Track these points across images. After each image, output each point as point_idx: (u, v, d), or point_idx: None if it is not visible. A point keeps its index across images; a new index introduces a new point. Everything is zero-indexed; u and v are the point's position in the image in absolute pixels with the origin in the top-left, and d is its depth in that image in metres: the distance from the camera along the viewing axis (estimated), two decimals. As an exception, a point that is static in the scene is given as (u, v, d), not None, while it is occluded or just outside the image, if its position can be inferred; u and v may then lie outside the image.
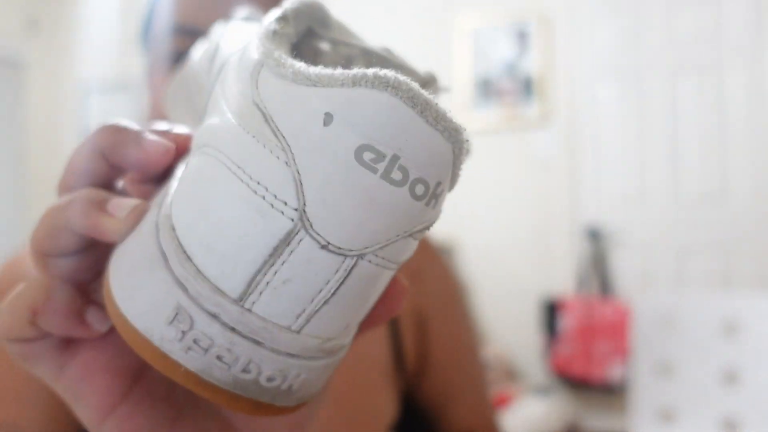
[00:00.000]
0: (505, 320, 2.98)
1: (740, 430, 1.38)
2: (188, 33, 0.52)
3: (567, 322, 2.74)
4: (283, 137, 0.18)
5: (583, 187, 2.89)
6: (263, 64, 0.19)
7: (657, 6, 2.79)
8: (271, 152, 0.18)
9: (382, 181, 0.17)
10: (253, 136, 0.19)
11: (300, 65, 0.19)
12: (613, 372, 2.66)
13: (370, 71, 0.17)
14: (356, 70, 0.18)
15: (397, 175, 0.17)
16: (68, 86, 3.65)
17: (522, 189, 2.97)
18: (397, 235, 0.19)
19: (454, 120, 0.18)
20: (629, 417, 1.46)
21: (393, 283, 0.22)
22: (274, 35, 0.20)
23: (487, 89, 2.99)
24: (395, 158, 0.17)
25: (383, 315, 0.22)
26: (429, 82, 0.24)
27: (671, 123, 2.78)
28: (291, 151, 0.18)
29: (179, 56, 0.52)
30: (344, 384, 0.51)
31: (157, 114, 0.56)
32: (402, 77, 0.17)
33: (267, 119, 0.18)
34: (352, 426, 0.50)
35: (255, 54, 0.20)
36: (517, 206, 2.97)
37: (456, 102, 3.05)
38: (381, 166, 0.17)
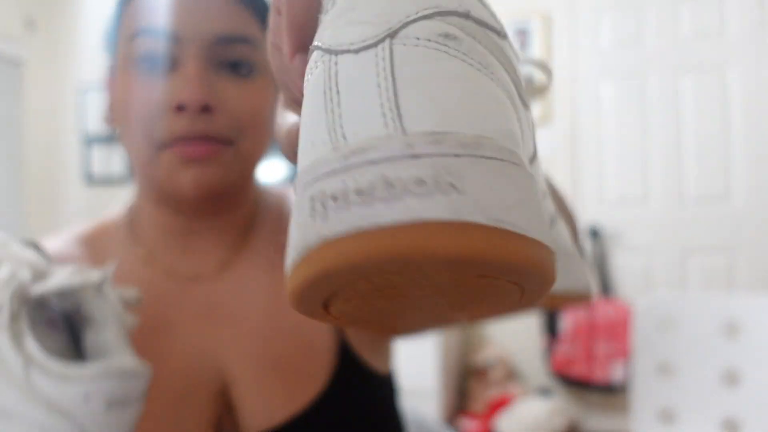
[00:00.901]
0: (506, 321, 2.97)
1: (741, 431, 1.38)
2: (155, 36, 0.52)
3: (568, 322, 2.73)
4: (66, 412, 0.31)
5: (583, 186, 2.88)
6: (31, 365, 0.32)
7: (659, 4, 2.78)
8: (64, 417, 0.31)
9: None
10: (46, 409, 0.31)
11: (62, 368, 0.32)
12: (614, 373, 2.66)
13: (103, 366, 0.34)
14: (96, 367, 0.33)
15: None
16: (66, 85, 3.65)
17: (523, 189, 2.96)
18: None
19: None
20: (630, 418, 1.45)
21: None
22: (21, 337, 0.33)
23: (487, 89, 2.99)
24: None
25: None
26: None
27: (673, 122, 2.77)
28: (75, 418, 0.32)
29: (146, 59, 0.53)
30: (283, 347, 0.55)
31: (115, 114, 0.57)
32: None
33: (50, 406, 0.31)
34: (292, 390, 0.54)
35: (21, 360, 0.32)
36: (517, 206, 2.96)
37: (456, 101, 3.04)
38: None
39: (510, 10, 2.97)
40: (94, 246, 0.59)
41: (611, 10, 2.84)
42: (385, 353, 0.63)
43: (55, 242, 0.59)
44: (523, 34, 2.94)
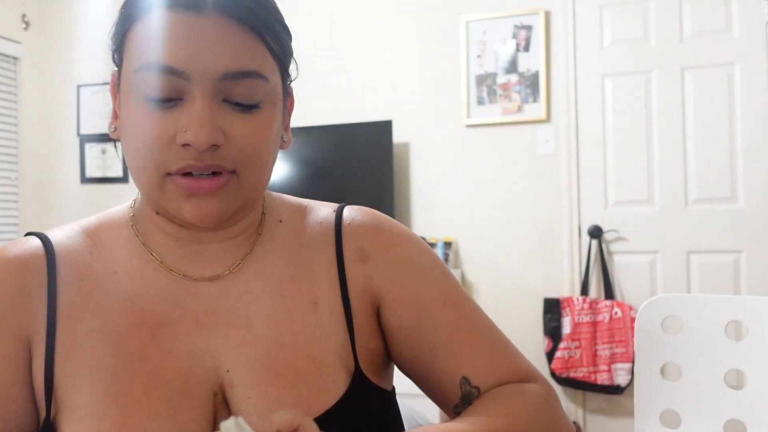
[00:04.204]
0: (508, 322, 2.95)
1: (746, 435, 1.36)
2: (163, 72, 0.53)
3: (570, 323, 2.71)
4: None
5: (586, 186, 2.86)
6: None
7: (665, 0, 2.76)
8: None
9: None
10: None
11: None
12: (617, 375, 2.64)
13: None
14: None
15: None
16: (62, 83, 3.64)
17: (524, 188, 2.94)
18: None
19: None
20: (633, 420, 1.44)
21: None
22: None
23: (489, 85, 2.97)
24: None
25: None
26: None
27: (678, 121, 2.75)
28: None
29: (153, 94, 0.53)
30: (296, 361, 0.57)
31: (119, 128, 0.59)
32: None
33: None
34: (297, 401, 0.56)
35: None
36: (519, 206, 2.95)
37: (458, 98, 3.03)
38: None
39: (511, 6, 2.95)
40: (98, 239, 0.62)
41: (615, 5, 2.83)
42: (389, 372, 0.67)
43: (60, 232, 0.62)
44: (524, 30, 2.93)
